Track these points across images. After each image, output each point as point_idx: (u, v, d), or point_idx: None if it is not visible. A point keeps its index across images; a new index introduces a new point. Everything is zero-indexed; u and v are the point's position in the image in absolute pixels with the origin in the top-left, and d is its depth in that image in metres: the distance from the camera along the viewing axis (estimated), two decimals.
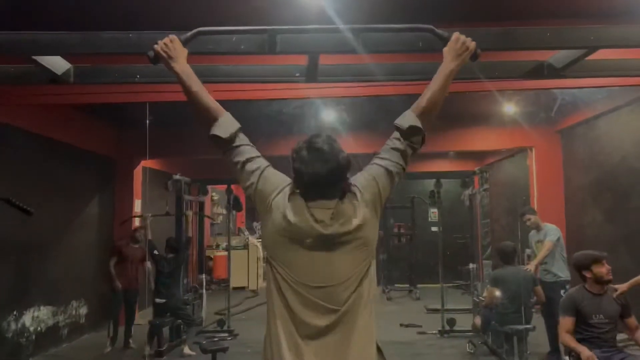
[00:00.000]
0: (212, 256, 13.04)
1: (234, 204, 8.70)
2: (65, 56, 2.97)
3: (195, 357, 6.55)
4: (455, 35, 2.05)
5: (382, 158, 1.91)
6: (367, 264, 1.82)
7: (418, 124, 1.90)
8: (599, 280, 3.81)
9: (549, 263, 5.97)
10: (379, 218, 1.88)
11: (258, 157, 1.93)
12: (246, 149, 1.92)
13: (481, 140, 9.50)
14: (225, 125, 1.92)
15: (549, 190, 8.92)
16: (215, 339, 7.32)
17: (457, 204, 9.79)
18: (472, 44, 2.04)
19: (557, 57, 3.06)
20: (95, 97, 5.60)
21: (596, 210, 7.94)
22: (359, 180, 1.87)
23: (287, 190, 1.83)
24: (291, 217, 1.77)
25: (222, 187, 9.82)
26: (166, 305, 6.80)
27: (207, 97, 1.96)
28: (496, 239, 8.93)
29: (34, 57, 2.74)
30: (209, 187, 10.93)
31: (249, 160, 1.90)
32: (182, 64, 1.99)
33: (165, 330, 6.82)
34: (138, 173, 9.28)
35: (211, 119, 1.93)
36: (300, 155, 1.80)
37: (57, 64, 2.94)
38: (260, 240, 1.67)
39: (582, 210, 8.33)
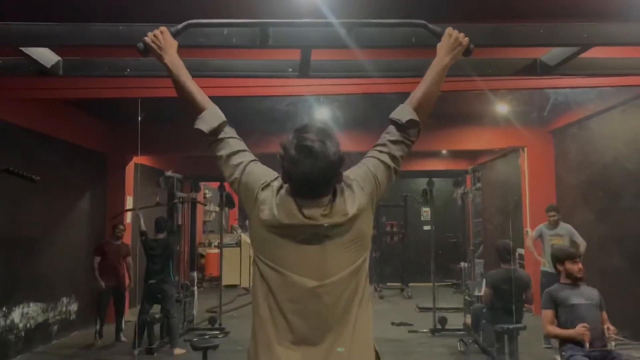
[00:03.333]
0: (204, 253, 13.00)
1: (226, 201, 8.66)
2: (54, 49, 2.93)
3: (186, 354, 6.51)
4: (449, 30, 2.04)
5: (380, 151, 1.85)
6: (362, 259, 1.74)
7: (416, 117, 1.87)
8: (570, 276, 4.09)
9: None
10: (374, 213, 1.81)
11: (243, 150, 1.87)
12: (231, 142, 1.87)
13: (474, 139, 9.50)
14: (209, 118, 1.87)
15: (540, 190, 8.95)
16: (206, 337, 7.29)
17: (450, 203, 9.81)
18: (465, 40, 2.03)
19: (550, 54, 3.05)
20: (86, 92, 5.57)
21: (588, 210, 7.97)
22: (357, 172, 1.81)
23: (275, 184, 1.75)
24: (279, 212, 1.70)
25: (215, 184, 9.77)
26: (157, 287, 6.59)
27: (195, 90, 1.93)
28: (488, 238, 8.95)
29: (23, 49, 2.69)
30: (202, 184, 10.87)
31: (233, 153, 1.85)
32: (172, 56, 1.98)
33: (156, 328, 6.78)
34: (130, 169, 9.22)
35: (197, 112, 1.90)
36: (289, 154, 1.68)
37: (46, 56, 2.90)
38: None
39: (573, 209, 8.35)
